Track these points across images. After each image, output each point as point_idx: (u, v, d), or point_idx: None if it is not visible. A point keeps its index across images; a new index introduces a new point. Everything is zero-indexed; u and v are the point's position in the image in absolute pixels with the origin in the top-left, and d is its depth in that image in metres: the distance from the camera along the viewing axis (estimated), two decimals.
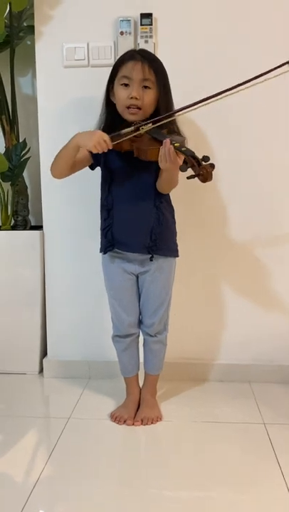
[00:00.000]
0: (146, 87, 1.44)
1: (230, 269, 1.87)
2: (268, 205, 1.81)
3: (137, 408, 1.62)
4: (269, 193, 1.81)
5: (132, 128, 1.39)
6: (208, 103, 1.33)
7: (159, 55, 1.70)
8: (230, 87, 1.30)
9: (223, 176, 1.75)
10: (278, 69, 1.30)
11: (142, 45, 1.71)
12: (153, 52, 1.71)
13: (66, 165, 1.49)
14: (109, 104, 1.52)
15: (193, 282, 1.84)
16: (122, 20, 1.72)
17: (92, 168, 1.57)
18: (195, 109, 1.35)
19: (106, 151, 1.38)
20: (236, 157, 1.78)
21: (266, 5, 1.71)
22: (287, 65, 1.31)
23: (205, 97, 1.32)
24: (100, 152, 1.38)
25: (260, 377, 1.86)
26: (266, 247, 1.83)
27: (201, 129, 1.76)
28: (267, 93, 1.70)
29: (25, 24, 1.95)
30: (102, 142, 1.36)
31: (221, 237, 1.84)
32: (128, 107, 1.45)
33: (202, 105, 1.33)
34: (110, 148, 1.38)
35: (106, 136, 1.37)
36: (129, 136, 1.38)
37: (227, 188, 1.80)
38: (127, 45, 1.71)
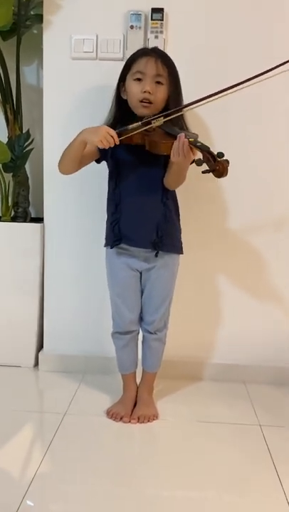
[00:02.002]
0: (158, 82, 1.45)
1: (227, 269, 1.87)
2: (268, 203, 1.81)
3: (134, 405, 1.62)
4: (269, 190, 1.81)
5: (139, 123, 1.39)
6: (218, 98, 1.35)
7: (169, 51, 1.68)
8: (238, 82, 1.33)
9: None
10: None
11: (152, 41, 1.69)
12: (163, 47, 1.69)
13: (73, 161, 1.49)
14: (120, 100, 1.51)
15: (189, 281, 1.83)
16: (133, 14, 1.69)
17: (98, 161, 1.56)
18: (206, 103, 1.36)
19: (113, 145, 1.38)
20: (238, 153, 1.76)
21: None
22: None
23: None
24: (106, 147, 1.38)
25: (255, 378, 1.87)
26: (264, 247, 1.84)
27: (205, 125, 1.75)
28: (272, 89, 1.69)
29: (32, 13, 1.92)
30: (108, 137, 1.36)
31: (219, 237, 1.84)
32: (141, 101, 1.44)
33: (212, 100, 1.35)
34: (117, 143, 1.38)
35: (112, 131, 1.37)
36: (138, 131, 1.38)
37: (227, 184, 1.79)
38: (136, 39, 1.70)
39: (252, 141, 1.78)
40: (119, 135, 1.38)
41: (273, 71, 1.32)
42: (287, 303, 1.87)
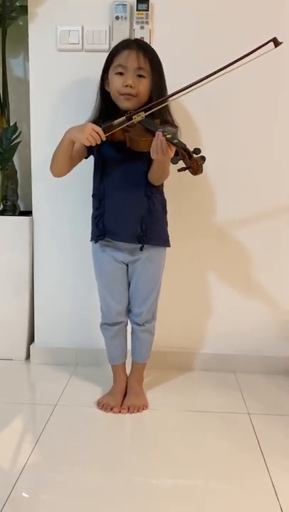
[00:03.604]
0: (140, 75, 1.44)
1: (217, 260, 1.87)
2: (255, 195, 1.82)
3: (124, 396, 1.63)
4: (257, 183, 1.81)
5: (123, 118, 1.39)
6: (197, 88, 1.33)
7: (155, 42, 1.69)
8: (218, 69, 1.32)
9: (211, 166, 1.73)
10: (264, 47, 1.31)
11: (138, 31, 1.68)
12: (148, 38, 1.69)
13: (65, 162, 1.49)
14: (104, 93, 1.50)
15: (179, 272, 1.84)
16: (118, 5, 1.68)
17: (85, 157, 1.57)
18: (183, 94, 1.35)
19: (99, 142, 1.38)
20: (225, 147, 1.77)
21: None
22: (272, 42, 1.32)
23: (201, 89, 1.33)
24: (93, 144, 1.38)
25: (245, 368, 1.89)
26: (253, 237, 1.84)
27: (190, 118, 1.75)
28: (256, 79, 1.70)
29: (17, 4, 1.90)
30: (94, 134, 1.36)
31: (208, 227, 1.85)
32: (122, 95, 1.44)
33: (191, 90, 1.34)
34: (104, 139, 1.38)
35: (98, 128, 1.37)
36: (122, 126, 1.38)
37: (215, 177, 1.80)
38: (122, 30, 1.69)
39: (241, 137, 1.78)
40: (104, 131, 1.37)
41: (255, 53, 1.31)
42: (277, 293, 1.88)
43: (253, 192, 1.81)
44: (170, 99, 1.41)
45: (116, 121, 1.39)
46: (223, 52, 1.67)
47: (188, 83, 1.37)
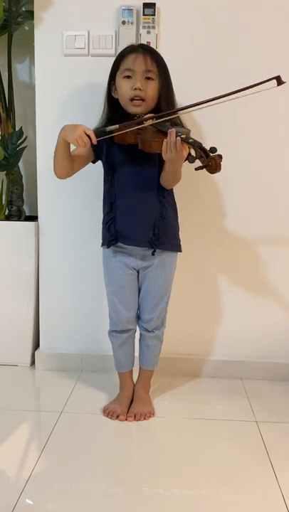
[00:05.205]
0: (148, 78, 1.43)
1: (225, 266, 1.86)
2: (265, 200, 1.80)
3: (130, 403, 1.62)
4: (266, 188, 1.80)
5: (117, 126, 1.37)
6: (211, 105, 1.31)
7: (162, 47, 1.69)
8: (221, 94, 1.29)
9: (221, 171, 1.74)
10: (266, 83, 1.26)
11: (144, 36, 1.68)
12: (155, 43, 1.68)
13: (63, 162, 1.47)
14: (111, 100, 1.49)
15: (187, 278, 1.83)
16: (124, 9, 1.68)
17: (93, 162, 1.55)
18: (198, 109, 1.33)
19: (89, 146, 1.37)
20: (234, 151, 1.76)
21: None
22: (274, 80, 1.27)
23: (207, 95, 1.31)
24: (81, 147, 1.37)
25: (253, 374, 1.87)
26: (262, 243, 1.83)
27: (198, 123, 1.74)
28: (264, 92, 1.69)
29: (23, 9, 1.90)
30: (84, 136, 1.34)
31: (217, 234, 1.83)
32: (132, 99, 1.43)
33: (205, 106, 1.31)
34: (94, 143, 1.36)
35: (89, 131, 1.35)
36: (115, 134, 1.36)
37: (224, 182, 1.79)
38: (128, 35, 1.68)
39: (250, 141, 1.77)
40: (96, 135, 1.36)
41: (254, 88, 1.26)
42: (284, 299, 1.86)
43: (264, 197, 1.80)
44: (180, 112, 1.40)
45: (109, 128, 1.37)
46: (230, 58, 1.68)
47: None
